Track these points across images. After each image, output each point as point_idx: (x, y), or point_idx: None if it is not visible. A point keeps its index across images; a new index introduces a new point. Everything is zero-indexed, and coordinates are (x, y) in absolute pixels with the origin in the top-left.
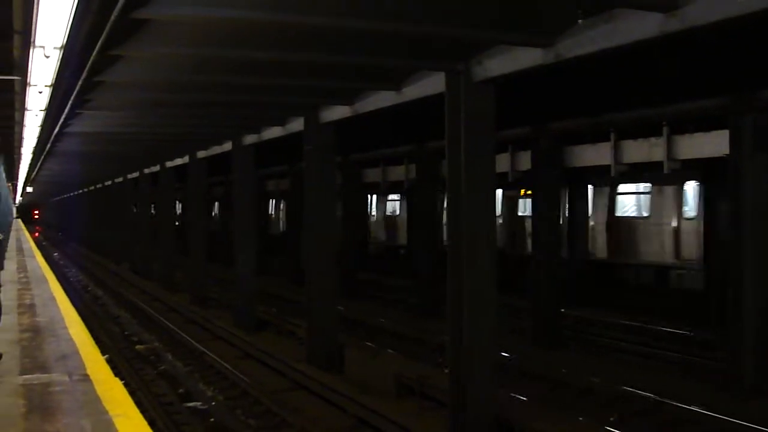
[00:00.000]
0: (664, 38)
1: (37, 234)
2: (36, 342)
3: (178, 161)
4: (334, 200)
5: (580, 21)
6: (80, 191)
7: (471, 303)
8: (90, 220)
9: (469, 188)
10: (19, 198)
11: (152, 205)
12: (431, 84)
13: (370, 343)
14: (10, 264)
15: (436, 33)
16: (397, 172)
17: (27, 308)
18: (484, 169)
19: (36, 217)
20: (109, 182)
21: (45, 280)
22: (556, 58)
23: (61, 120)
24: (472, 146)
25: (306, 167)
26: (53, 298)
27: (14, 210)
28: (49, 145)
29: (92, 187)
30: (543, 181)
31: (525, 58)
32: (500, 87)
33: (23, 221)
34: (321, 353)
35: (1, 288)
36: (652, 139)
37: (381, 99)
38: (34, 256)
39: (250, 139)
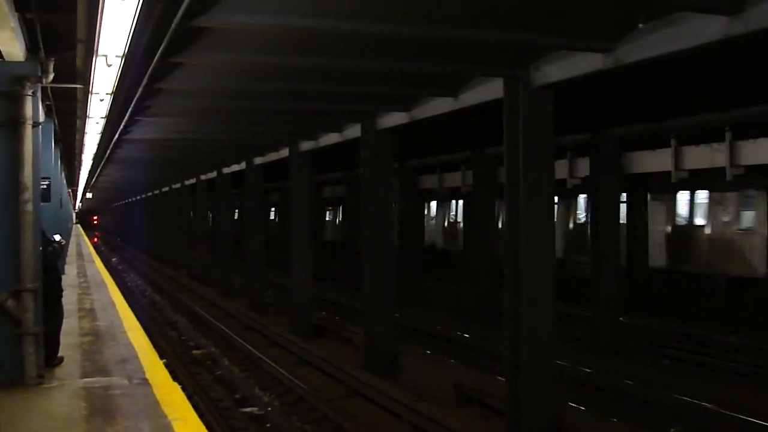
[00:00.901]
0: (727, 42)
1: (96, 239)
2: (96, 346)
3: (235, 167)
4: (390, 206)
5: (640, 25)
6: (138, 197)
7: (528, 312)
8: (148, 226)
9: (528, 195)
10: (78, 204)
11: (209, 211)
12: (489, 90)
13: (427, 351)
14: (70, 269)
15: (495, 39)
16: (454, 179)
17: (87, 312)
18: (542, 176)
19: (95, 222)
20: (167, 188)
21: (104, 285)
22: (615, 63)
23: (121, 127)
24: (531, 153)
25: (363, 173)
26: (112, 303)
27: (74, 216)
28: (108, 152)
29: (150, 193)
30: (602, 187)
31: (584, 63)
32: (559, 92)
33: (82, 227)
34: (378, 360)
35: (63, 292)
36: (714, 145)
37: (438, 105)
38: (93, 261)
39: (306, 145)
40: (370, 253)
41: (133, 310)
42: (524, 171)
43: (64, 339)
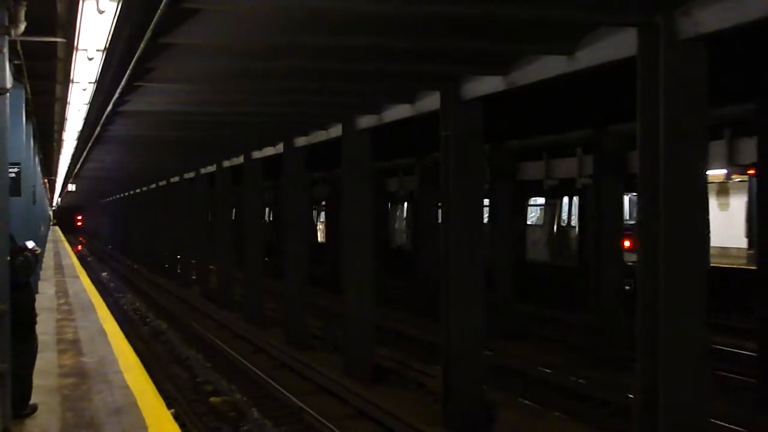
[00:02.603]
0: None
1: (80, 246)
2: (82, 390)
3: (270, 151)
4: (481, 203)
5: None
6: (137, 191)
7: (669, 349)
8: (149, 230)
9: (670, 186)
10: (57, 199)
11: (233, 210)
12: (617, 44)
13: (528, 401)
14: (46, 286)
15: None
16: (566, 166)
17: (70, 345)
18: (691, 159)
19: (79, 224)
20: (177, 178)
21: (92, 308)
22: None
23: (116, 95)
24: (675, 127)
25: (442, 159)
26: (103, 332)
27: (51, 215)
28: (99, 129)
29: (153, 186)
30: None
31: (755, 4)
32: (715, 47)
33: (62, 229)
34: (462, 413)
35: (37, 318)
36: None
37: (546, 66)
38: (77, 276)
39: (366, 121)
40: (453, 265)
41: (130, 341)
42: (666, 153)
43: (38, 380)
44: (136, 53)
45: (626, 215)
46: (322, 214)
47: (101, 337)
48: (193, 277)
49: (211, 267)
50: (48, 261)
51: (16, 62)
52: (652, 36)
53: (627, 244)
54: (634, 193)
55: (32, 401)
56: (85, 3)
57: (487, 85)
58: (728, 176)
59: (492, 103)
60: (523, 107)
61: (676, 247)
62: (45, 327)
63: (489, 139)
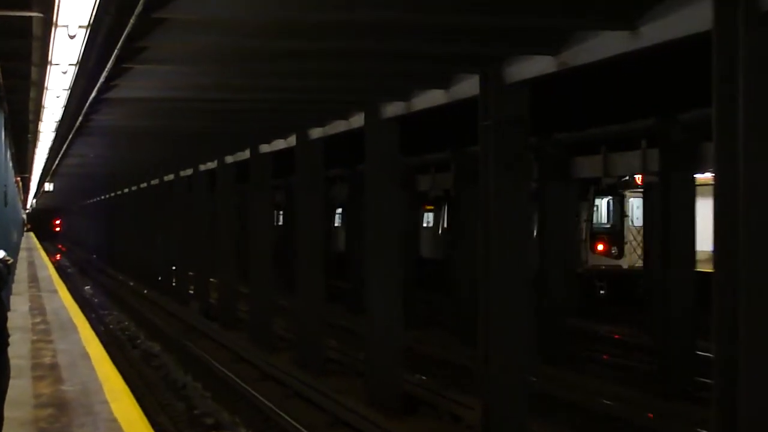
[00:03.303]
0: None
1: (59, 256)
2: (61, 423)
3: (280, 144)
4: (526, 203)
5: None
6: (124, 191)
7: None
8: (139, 236)
9: (753, 179)
10: (32, 200)
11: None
12: (688, 18)
13: None
14: (19, 302)
15: None
16: (627, 162)
17: (47, 370)
18: None
19: (57, 229)
20: (171, 176)
21: (73, 328)
22: None
23: (102, 78)
24: (759, 109)
25: (481, 153)
26: (86, 356)
27: (25, 219)
28: (81, 118)
29: (143, 185)
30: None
31: None
32: None
33: (38, 235)
34: None
35: (9, 338)
36: None
37: (605, 44)
38: (55, 291)
39: (392, 109)
40: (498, 280)
41: (118, 366)
42: (745, 141)
43: (9, 412)
44: (125, 30)
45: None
46: (337, 217)
47: (84, 361)
48: (191, 292)
49: (211, 280)
50: (21, 272)
51: None
52: (728, 9)
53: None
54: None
55: None
56: None
57: (535, 66)
58: None
59: (540, 87)
60: (577, 93)
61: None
62: (18, 349)
63: (536, 131)
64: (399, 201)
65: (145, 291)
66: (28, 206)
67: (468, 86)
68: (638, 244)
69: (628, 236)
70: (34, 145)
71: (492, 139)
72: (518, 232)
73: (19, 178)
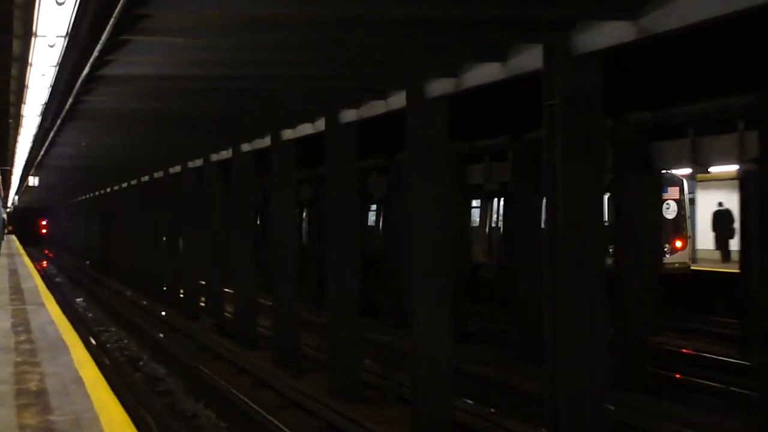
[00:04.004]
0: None
1: (45, 263)
2: None
3: (306, 129)
4: (600, 196)
5: None
6: (122, 186)
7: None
8: (141, 240)
9: None
10: (13, 197)
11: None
12: None
13: None
14: (1, 317)
15: None
16: (720, 147)
17: (33, 398)
18: None
19: (43, 231)
20: (177, 168)
21: (64, 348)
22: None
23: (96, 53)
24: None
25: (546, 137)
26: (79, 380)
27: (5, 219)
28: (71, 100)
29: (144, 179)
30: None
31: None
32: None
33: (20, 238)
34: None
35: None
36: None
37: (695, 5)
38: (42, 304)
39: (440, 86)
40: (565, 287)
41: (116, 392)
42: None
43: None
44: None
45: None
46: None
47: (76, 386)
48: (202, 304)
49: (226, 290)
50: (1, 282)
51: None
52: None
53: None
54: None
55: None
56: None
57: (610, 34)
58: None
59: (616, 59)
60: (660, 65)
61: None
62: None
63: (611, 111)
64: (447, 196)
65: (147, 303)
66: (9, 204)
67: (529, 59)
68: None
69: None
70: (17, 132)
71: (559, 122)
72: (590, 232)
73: None
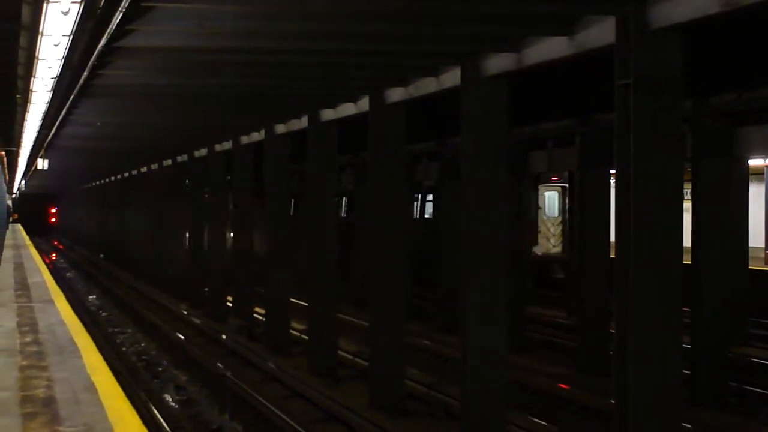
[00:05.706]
0: None
1: (54, 255)
2: None
3: (349, 108)
4: (680, 185)
5: None
6: (141, 170)
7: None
8: (162, 231)
9: None
10: (19, 182)
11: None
12: None
13: None
14: (3, 316)
15: None
16: None
17: (41, 406)
18: None
19: (53, 220)
20: (203, 151)
21: (74, 351)
22: None
23: (115, 21)
24: None
25: (617, 120)
26: (91, 387)
27: (10, 206)
28: (86, 74)
29: (167, 162)
30: None
31: None
32: None
33: (27, 228)
34: None
35: None
36: None
37: None
38: (51, 301)
39: (497, 63)
40: (637, 285)
41: (133, 402)
42: None
43: None
44: None
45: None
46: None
47: (88, 394)
48: (228, 304)
49: (256, 289)
50: (6, 277)
51: None
52: None
53: None
54: None
55: None
56: None
57: (692, 5)
58: None
59: (696, 34)
60: (748, 39)
61: None
62: (2, 378)
63: (690, 92)
64: (506, 186)
65: (168, 302)
66: (15, 189)
67: (600, 32)
68: None
69: None
70: (24, 109)
71: (632, 102)
72: (667, 227)
73: (3, 153)
